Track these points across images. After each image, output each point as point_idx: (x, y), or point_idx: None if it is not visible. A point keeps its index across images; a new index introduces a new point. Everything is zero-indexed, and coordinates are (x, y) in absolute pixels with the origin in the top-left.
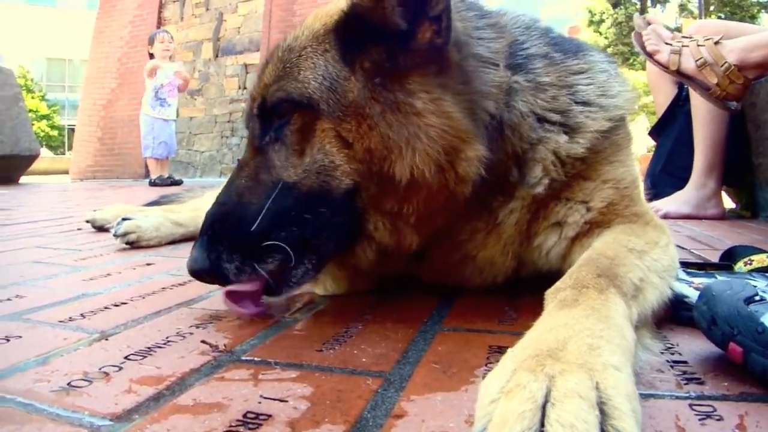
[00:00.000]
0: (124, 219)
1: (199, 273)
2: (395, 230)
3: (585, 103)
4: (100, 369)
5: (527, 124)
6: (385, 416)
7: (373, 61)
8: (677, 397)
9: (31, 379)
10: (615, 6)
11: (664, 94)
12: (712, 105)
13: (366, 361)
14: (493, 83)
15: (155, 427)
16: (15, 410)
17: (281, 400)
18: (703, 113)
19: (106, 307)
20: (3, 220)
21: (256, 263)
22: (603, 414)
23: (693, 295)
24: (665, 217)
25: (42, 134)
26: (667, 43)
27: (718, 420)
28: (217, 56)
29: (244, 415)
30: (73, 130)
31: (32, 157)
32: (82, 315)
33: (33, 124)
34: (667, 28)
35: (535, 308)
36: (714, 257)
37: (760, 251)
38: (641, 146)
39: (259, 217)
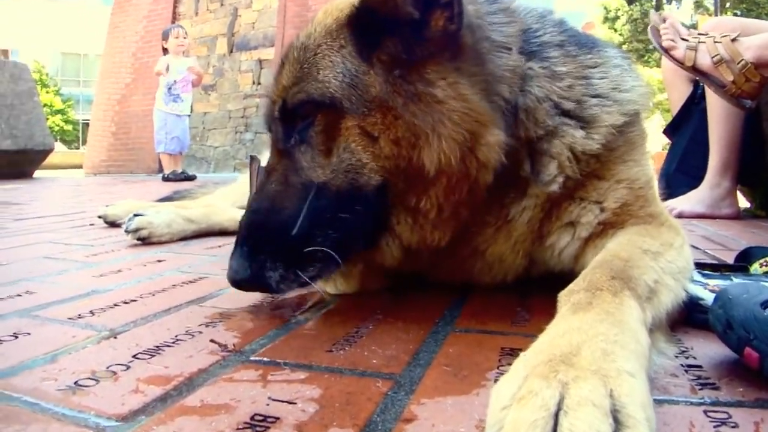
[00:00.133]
0: (135, 215)
1: (240, 283)
2: (421, 226)
3: (599, 96)
4: (107, 368)
5: (543, 109)
6: (394, 420)
7: (389, 53)
8: (692, 403)
9: (39, 378)
10: (630, 2)
11: (679, 92)
12: (727, 103)
13: (376, 363)
14: (507, 67)
15: (161, 429)
16: (21, 409)
17: (290, 402)
18: (718, 111)
19: (115, 304)
20: (16, 214)
21: (299, 270)
22: (617, 422)
23: (708, 297)
24: (679, 216)
25: (56, 129)
26: (683, 39)
27: (733, 427)
28: (231, 51)
29: (252, 418)
30: (87, 124)
31: (46, 152)
32: (91, 312)
33: (47, 119)
34: (683, 24)
35: (548, 309)
36: (728, 257)
37: None
38: (656, 144)
39: (299, 222)
